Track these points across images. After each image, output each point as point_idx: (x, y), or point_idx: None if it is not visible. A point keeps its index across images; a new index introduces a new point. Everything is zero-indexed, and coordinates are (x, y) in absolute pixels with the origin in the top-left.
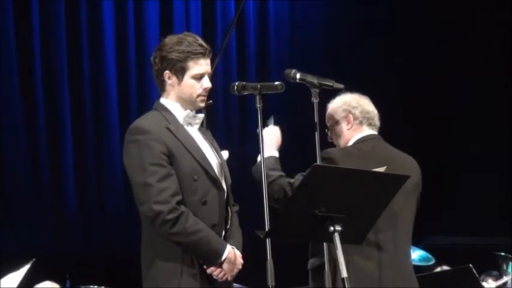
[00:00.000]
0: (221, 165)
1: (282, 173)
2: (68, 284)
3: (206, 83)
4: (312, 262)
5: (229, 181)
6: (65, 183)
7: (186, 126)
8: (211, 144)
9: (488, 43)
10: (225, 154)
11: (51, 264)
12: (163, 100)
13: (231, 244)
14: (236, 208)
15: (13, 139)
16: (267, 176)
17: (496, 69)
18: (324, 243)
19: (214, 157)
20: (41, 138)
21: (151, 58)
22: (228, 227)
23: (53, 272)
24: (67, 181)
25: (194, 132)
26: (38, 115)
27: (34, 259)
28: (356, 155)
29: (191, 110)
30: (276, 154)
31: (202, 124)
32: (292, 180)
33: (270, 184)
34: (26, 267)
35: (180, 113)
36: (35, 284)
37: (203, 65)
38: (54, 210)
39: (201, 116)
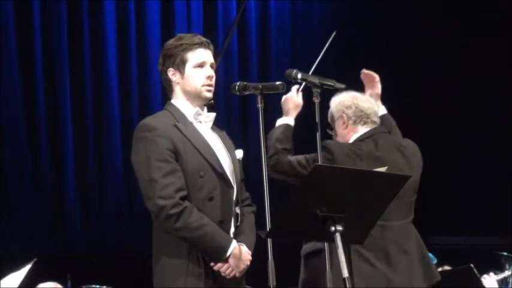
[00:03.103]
0: (232, 163)
1: (286, 146)
2: (69, 284)
3: (208, 71)
4: (304, 248)
5: (239, 179)
6: (65, 183)
7: (195, 124)
8: (223, 143)
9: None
10: (239, 153)
11: (51, 264)
12: (173, 100)
13: (239, 241)
14: (253, 208)
15: (14, 139)
16: (270, 147)
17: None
18: (325, 243)
19: (225, 154)
20: (42, 138)
21: (158, 66)
22: (237, 224)
23: (53, 272)
24: (68, 181)
25: (205, 130)
26: (39, 115)
27: (35, 259)
28: (353, 157)
29: (201, 107)
30: (291, 122)
31: (215, 123)
32: (292, 158)
33: (269, 158)
34: (27, 267)
35: (189, 110)
36: (36, 284)
37: (202, 54)
38: (55, 210)
39: (213, 114)
